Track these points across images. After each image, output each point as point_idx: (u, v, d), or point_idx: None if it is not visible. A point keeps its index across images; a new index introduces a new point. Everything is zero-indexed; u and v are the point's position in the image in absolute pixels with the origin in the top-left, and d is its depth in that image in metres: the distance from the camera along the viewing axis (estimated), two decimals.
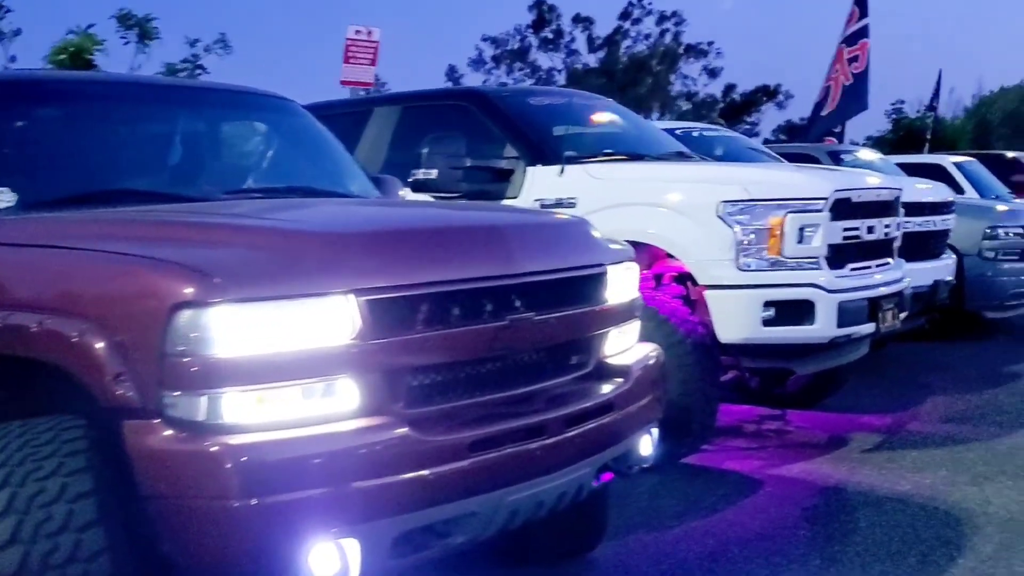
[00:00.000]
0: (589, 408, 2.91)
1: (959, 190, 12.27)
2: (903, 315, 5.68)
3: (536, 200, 5.48)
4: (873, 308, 5.25)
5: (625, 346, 3.38)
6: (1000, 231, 9.39)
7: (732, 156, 8.48)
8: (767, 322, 4.92)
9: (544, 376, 2.91)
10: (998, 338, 9.70)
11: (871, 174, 6.20)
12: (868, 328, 5.25)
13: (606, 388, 3.08)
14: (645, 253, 5.14)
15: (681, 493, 4.70)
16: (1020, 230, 9.52)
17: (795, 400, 6.56)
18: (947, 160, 13.05)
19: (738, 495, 4.72)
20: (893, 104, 30.69)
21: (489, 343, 2.71)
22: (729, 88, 53.63)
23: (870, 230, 5.32)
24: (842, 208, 5.12)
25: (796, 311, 4.96)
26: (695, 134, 8.62)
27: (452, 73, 53.02)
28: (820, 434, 5.91)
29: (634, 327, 3.54)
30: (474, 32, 74.21)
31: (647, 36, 52.91)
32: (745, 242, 4.93)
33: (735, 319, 4.94)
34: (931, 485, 4.78)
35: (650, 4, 52.49)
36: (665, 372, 3.61)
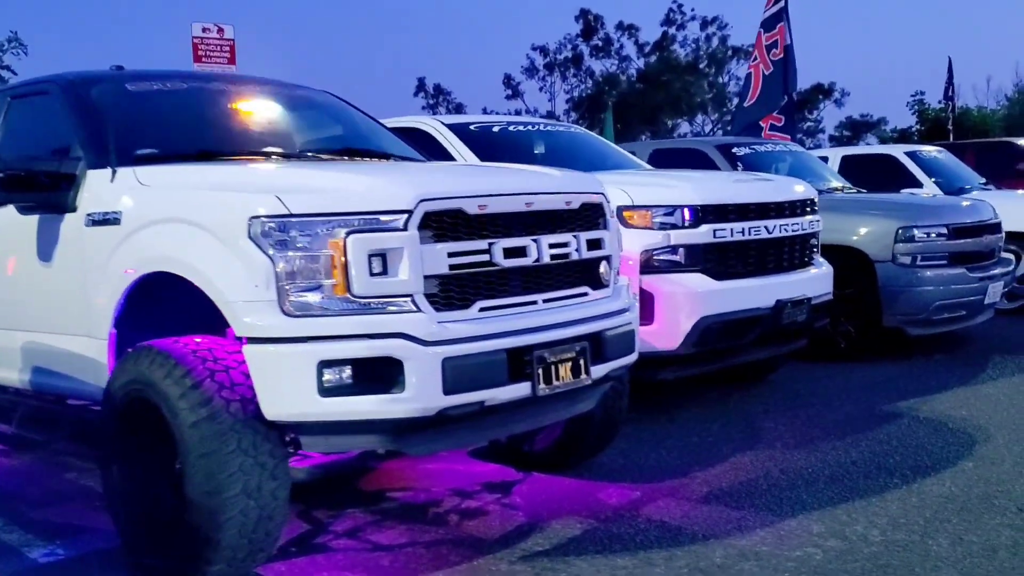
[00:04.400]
0: None
1: (915, 183, 10.26)
2: (606, 366, 3.89)
3: (88, 215, 3.91)
4: (519, 362, 3.51)
5: None
6: (916, 232, 7.35)
7: (553, 157, 6.77)
8: (329, 390, 3.22)
9: None
10: (931, 359, 7.65)
11: (523, 171, 4.17)
12: (515, 390, 3.49)
13: None
14: None
15: None
16: (943, 230, 7.46)
17: (548, 459, 4.84)
18: (899, 150, 10.96)
19: None
20: (913, 95, 28.11)
21: None
22: None
23: (514, 252, 3.56)
24: (448, 223, 3.40)
25: (374, 373, 3.25)
26: (512, 128, 6.89)
27: (509, 81, 53.30)
28: (518, 518, 4.15)
29: None
30: (523, 41, 72.75)
31: (695, 40, 51.98)
32: (291, 275, 3.25)
33: (281, 386, 3.25)
34: None
35: (692, 10, 51.69)
36: None
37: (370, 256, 3.26)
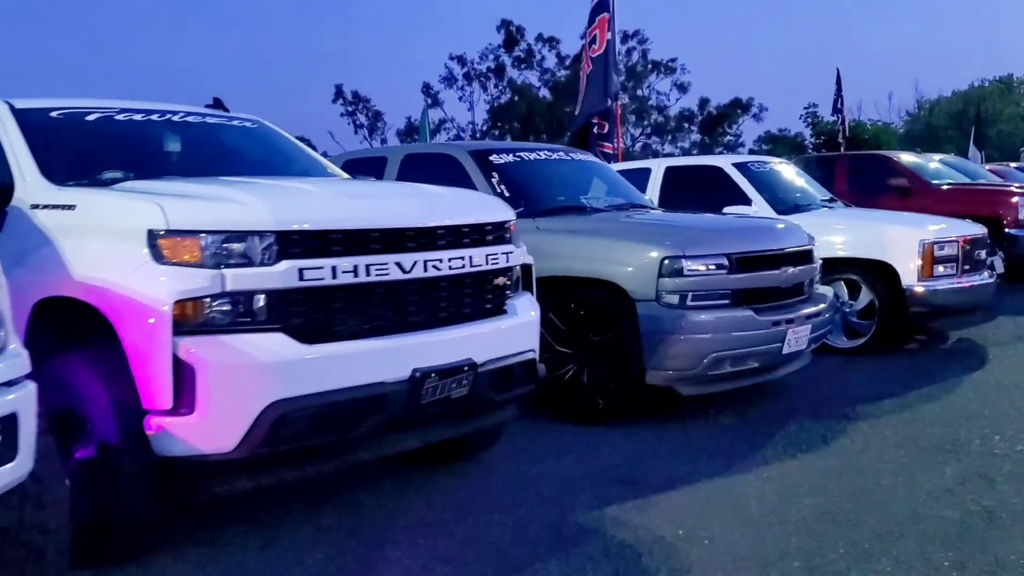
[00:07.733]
0: None
1: (743, 199, 8.43)
2: None
3: None
4: None
5: None
6: (686, 263, 5.48)
7: (196, 157, 4.86)
8: None
9: None
10: (714, 422, 5.84)
11: None
12: None
13: None
14: None
15: None
16: (724, 261, 5.60)
17: None
18: (726, 161, 9.13)
19: None
20: (806, 108, 26.95)
21: None
22: (704, 102, 52.44)
23: None
24: None
25: None
26: (123, 117, 4.87)
27: (428, 90, 52.39)
28: None
29: None
30: (447, 50, 70.32)
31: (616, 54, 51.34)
32: None
33: None
34: None
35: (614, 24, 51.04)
36: None
37: None
